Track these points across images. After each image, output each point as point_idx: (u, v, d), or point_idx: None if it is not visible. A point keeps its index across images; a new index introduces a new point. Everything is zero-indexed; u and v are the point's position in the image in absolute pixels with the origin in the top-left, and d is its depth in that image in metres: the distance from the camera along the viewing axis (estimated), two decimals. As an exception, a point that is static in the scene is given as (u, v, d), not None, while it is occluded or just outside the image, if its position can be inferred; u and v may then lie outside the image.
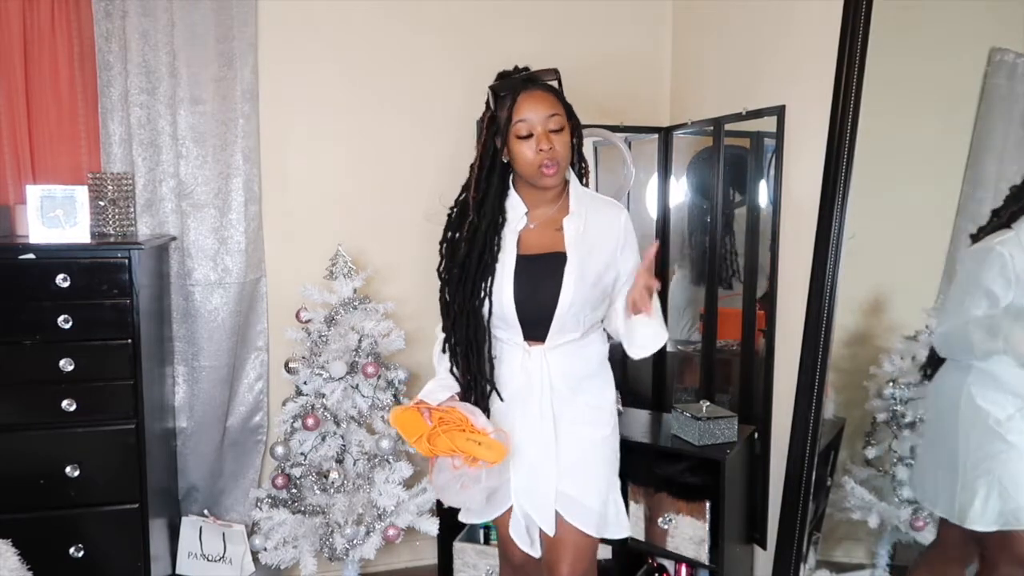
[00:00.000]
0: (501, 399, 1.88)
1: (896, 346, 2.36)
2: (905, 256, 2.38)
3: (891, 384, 2.36)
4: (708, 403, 2.47)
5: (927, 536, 2.27)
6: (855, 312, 2.40)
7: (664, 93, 3.20)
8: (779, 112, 2.44)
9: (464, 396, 1.88)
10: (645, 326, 1.81)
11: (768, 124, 2.49)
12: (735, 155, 2.75)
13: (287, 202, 2.82)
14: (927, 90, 2.30)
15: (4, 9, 2.46)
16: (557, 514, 1.87)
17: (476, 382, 1.87)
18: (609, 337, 1.98)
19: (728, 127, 2.70)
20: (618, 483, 1.96)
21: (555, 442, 1.86)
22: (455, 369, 1.90)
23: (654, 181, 3.08)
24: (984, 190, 2.27)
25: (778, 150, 2.45)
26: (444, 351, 1.92)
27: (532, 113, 1.79)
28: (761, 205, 2.62)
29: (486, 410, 1.87)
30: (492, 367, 1.87)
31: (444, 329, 1.92)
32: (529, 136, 1.79)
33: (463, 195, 1.91)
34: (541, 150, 1.78)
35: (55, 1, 2.51)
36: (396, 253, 2.87)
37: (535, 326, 1.85)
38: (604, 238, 1.86)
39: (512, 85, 1.82)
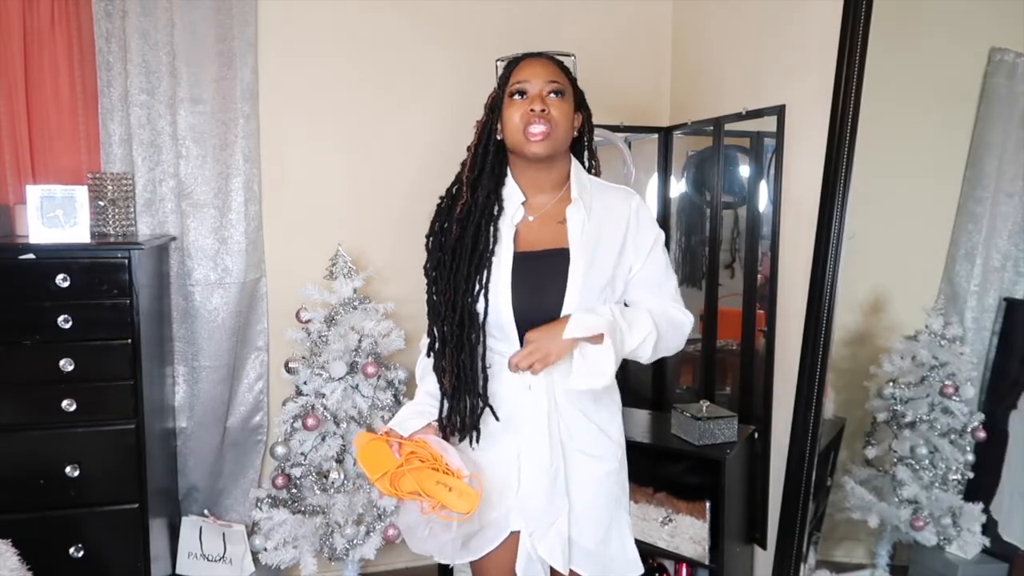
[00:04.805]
0: (496, 418, 1.62)
1: (896, 346, 2.37)
2: (905, 256, 2.38)
3: (891, 384, 2.37)
4: (708, 403, 2.47)
5: (927, 536, 2.27)
6: (855, 312, 2.40)
7: (664, 93, 3.19)
8: (779, 112, 2.43)
9: (450, 416, 1.63)
10: (582, 358, 1.57)
11: (768, 124, 2.49)
12: (734, 155, 2.75)
13: (287, 202, 2.82)
14: (927, 90, 2.30)
15: (4, 9, 2.46)
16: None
17: (467, 396, 1.61)
18: None
19: (728, 127, 2.70)
20: (627, 520, 1.75)
21: (564, 473, 1.64)
22: (442, 382, 1.64)
23: (654, 181, 3.08)
24: (984, 190, 2.28)
25: (778, 150, 2.45)
26: (428, 355, 1.68)
27: (530, 73, 1.60)
28: (761, 205, 2.62)
29: (478, 432, 1.63)
30: (486, 378, 1.61)
31: (429, 333, 1.67)
32: (522, 97, 1.59)
33: (455, 184, 1.70)
34: (531, 109, 1.56)
35: (55, 1, 2.51)
36: (396, 253, 2.86)
37: None
38: (613, 227, 1.62)
39: (519, 56, 1.66)
